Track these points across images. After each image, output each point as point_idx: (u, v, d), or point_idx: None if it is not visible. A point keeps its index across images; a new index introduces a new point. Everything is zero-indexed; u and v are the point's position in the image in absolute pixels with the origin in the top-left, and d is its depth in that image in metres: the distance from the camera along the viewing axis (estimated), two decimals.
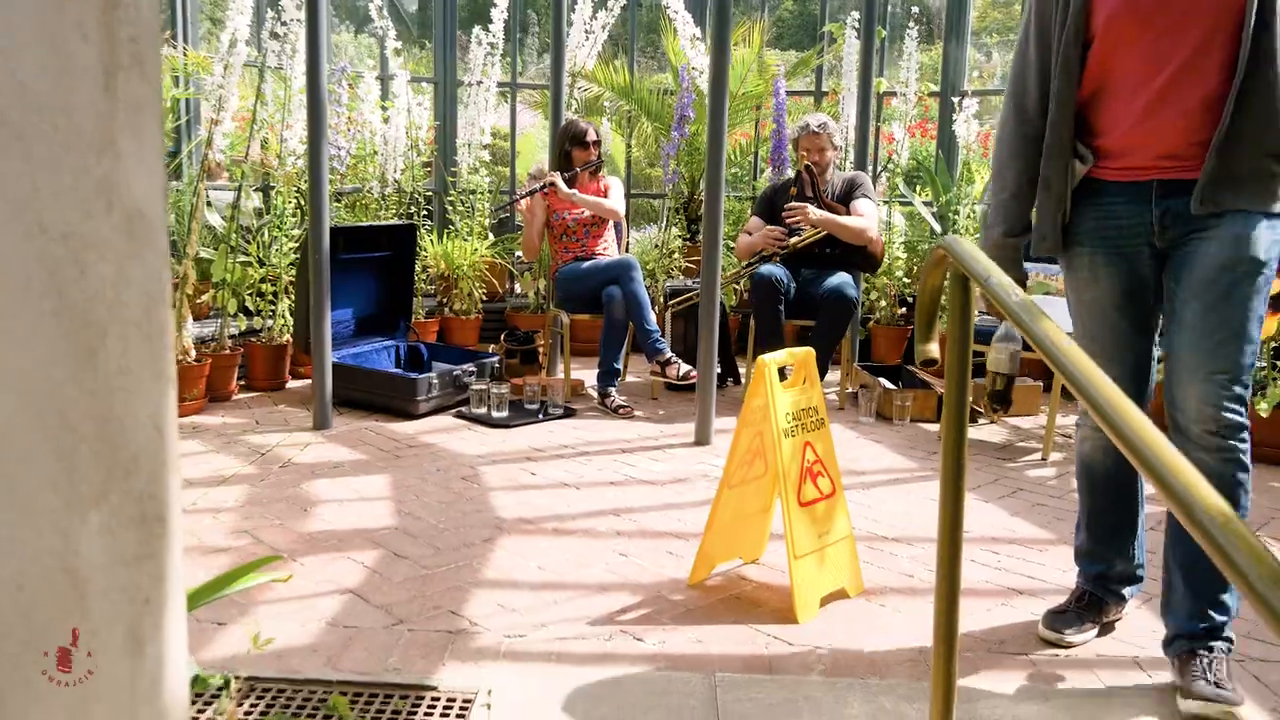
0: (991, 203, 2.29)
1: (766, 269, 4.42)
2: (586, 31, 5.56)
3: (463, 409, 4.35)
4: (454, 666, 2.09)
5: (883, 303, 5.66)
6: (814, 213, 4.43)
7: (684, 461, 3.70)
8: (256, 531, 2.84)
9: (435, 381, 4.25)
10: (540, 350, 5.05)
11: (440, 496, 3.21)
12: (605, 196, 4.78)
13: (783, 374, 2.49)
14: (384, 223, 4.78)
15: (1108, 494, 2.29)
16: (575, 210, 4.69)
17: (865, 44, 4.99)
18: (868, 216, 4.53)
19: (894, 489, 3.45)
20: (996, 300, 1.26)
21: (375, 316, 4.81)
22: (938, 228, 5.88)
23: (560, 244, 4.76)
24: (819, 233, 4.53)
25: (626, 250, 6.32)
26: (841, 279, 4.43)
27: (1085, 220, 2.13)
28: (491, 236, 5.83)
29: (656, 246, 5.93)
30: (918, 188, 6.38)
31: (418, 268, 5.43)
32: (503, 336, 5.07)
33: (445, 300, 5.66)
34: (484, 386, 4.31)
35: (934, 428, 4.30)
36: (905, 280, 5.65)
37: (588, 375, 4.82)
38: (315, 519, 2.97)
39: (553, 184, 4.59)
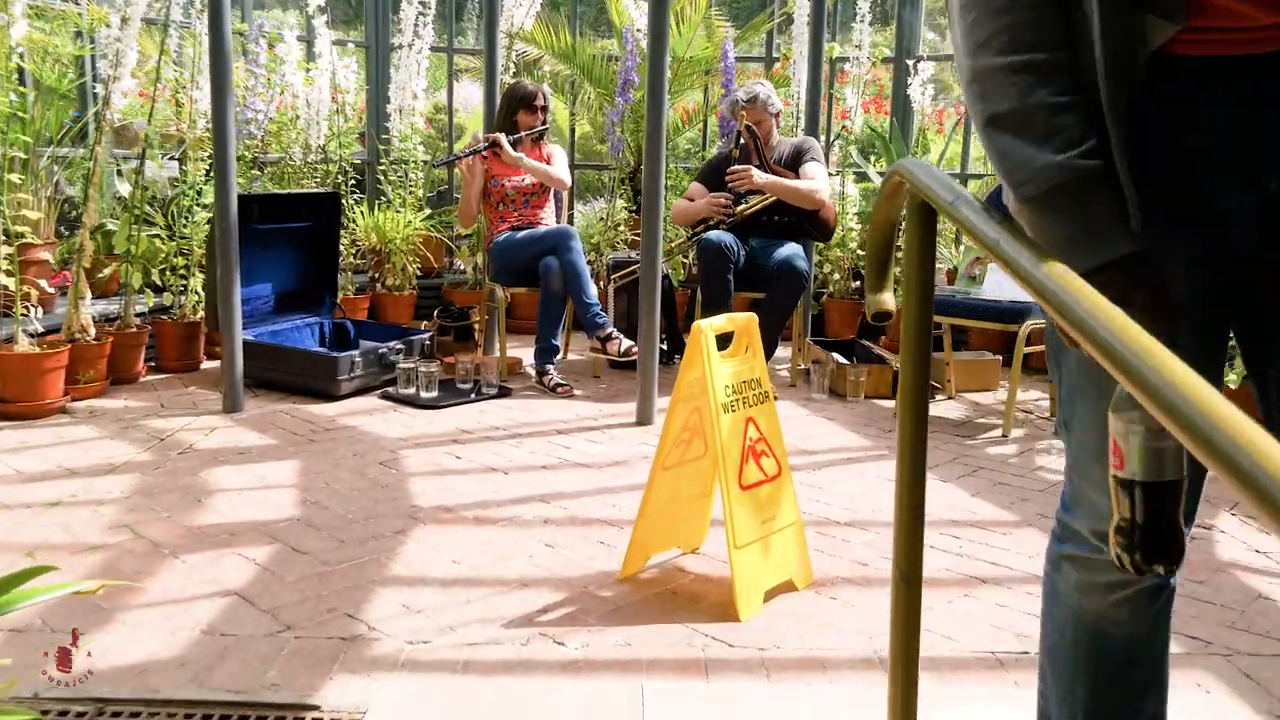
0: (993, 81, 1.05)
1: (715, 235, 4.16)
2: None
3: (389, 389, 4.05)
4: (343, 680, 1.81)
5: (836, 276, 5.43)
6: (759, 176, 4.18)
7: (623, 443, 3.44)
8: (139, 526, 2.54)
9: (358, 360, 3.95)
10: (476, 327, 4.76)
11: (353, 483, 2.92)
12: (549, 163, 4.49)
13: (723, 343, 2.24)
14: (304, 190, 4.45)
15: (1123, 683, 1.25)
16: (515, 177, 4.40)
17: (816, 6, 4.74)
18: (818, 179, 4.29)
19: (847, 469, 3.22)
20: (971, 231, 1.00)
21: (298, 292, 4.49)
22: None
23: (497, 213, 4.47)
24: (767, 198, 4.28)
25: (571, 222, 6.05)
26: (792, 250, 4.18)
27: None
28: (427, 209, 5.52)
29: (602, 220, 5.66)
30: (872, 159, 6.16)
31: (346, 241, 5.12)
32: (436, 313, 4.78)
33: (377, 276, 5.34)
34: (412, 365, 4.02)
35: (890, 404, 4.09)
36: (859, 253, 5.43)
37: (527, 354, 4.54)
38: (208, 510, 2.67)
39: (497, 144, 4.29)
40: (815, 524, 2.67)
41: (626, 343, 4.07)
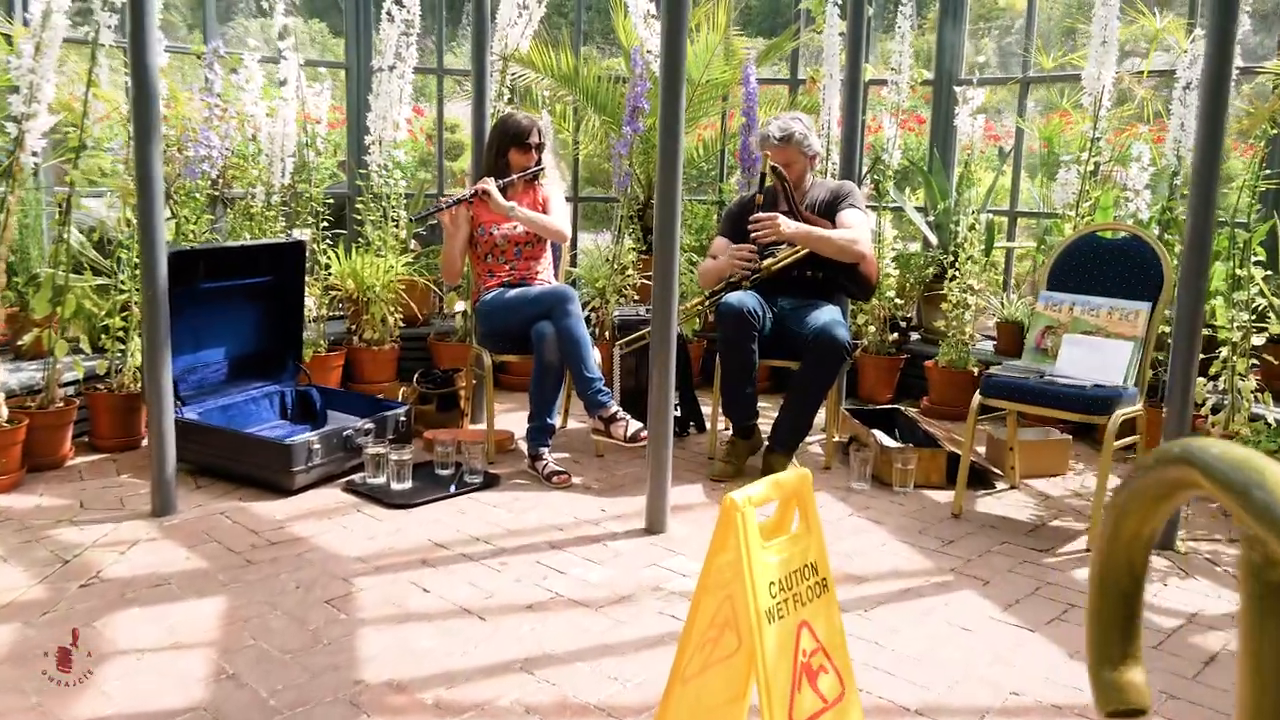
0: None
1: (735, 297, 3.55)
2: (520, 5, 4.65)
3: (355, 479, 3.45)
4: None
5: (871, 328, 4.82)
6: (787, 225, 3.56)
7: (630, 564, 2.83)
8: None
9: (317, 447, 3.34)
10: (462, 394, 4.15)
11: (289, 639, 2.32)
12: (544, 209, 3.89)
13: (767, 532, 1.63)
14: (260, 241, 3.87)
15: None
16: (506, 224, 3.80)
17: (853, 24, 4.13)
18: (858, 229, 3.67)
19: (907, 606, 2.60)
20: None
21: (256, 356, 3.89)
22: (934, 239, 5.05)
23: (485, 265, 3.87)
24: (798, 250, 3.67)
25: (574, 263, 5.45)
26: (830, 315, 3.57)
27: None
28: (415, 245, 4.92)
29: (608, 260, 5.05)
30: (908, 191, 5.54)
31: (319, 290, 4.52)
32: (416, 377, 4.17)
33: (355, 328, 4.74)
34: (381, 450, 3.42)
35: (944, 498, 3.47)
36: (897, 301, 4.82)
37: (520, 421, 3.93)
38: (92, 693, 2.07)
39: (484, 192, 3.68)
40: (877, 712, 2.05)
41: (634, 425, 3.46)
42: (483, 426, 3.97)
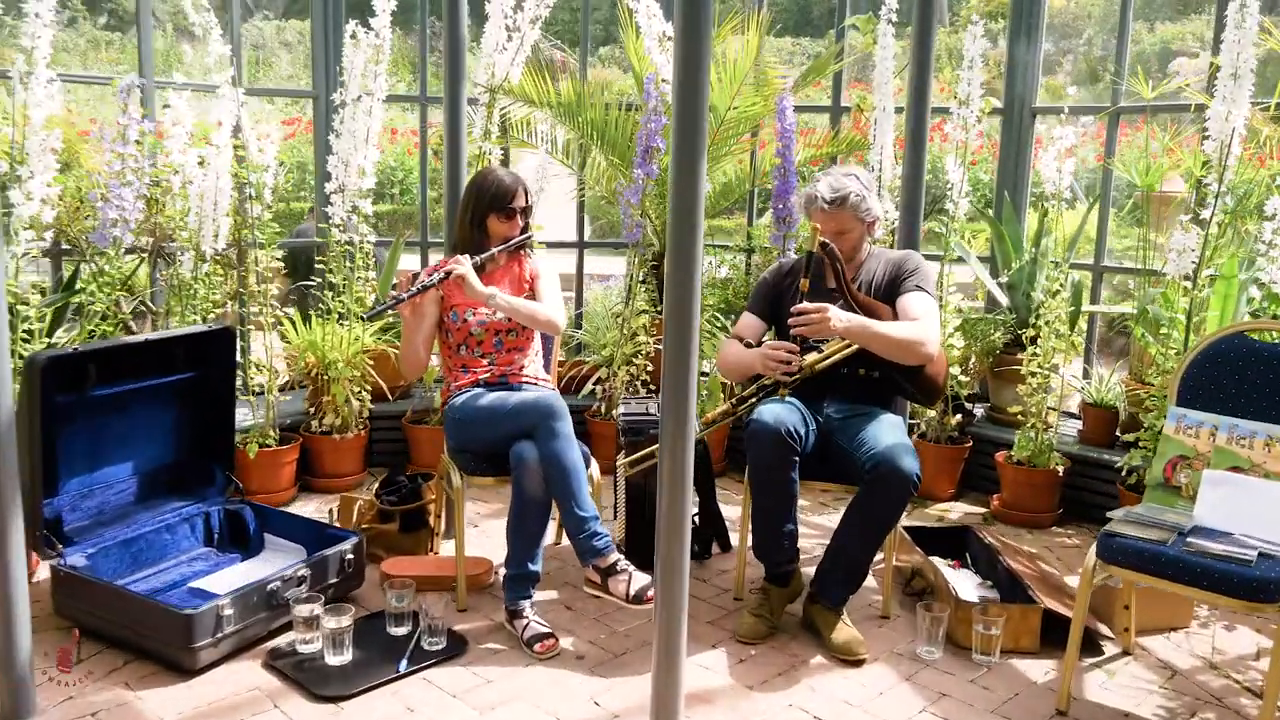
0: None
1: (771, 413, 2.76)
2: (508, 29, 3.87)
3: (282, 645, 2.70)
4: None
5: (930, 411, 4.01)
6: (839, 317, 2.76)
7: None
8: None
9: (229, 612, 2.59)
10: (431, 510, 3.39)
11: None
12: (531, 288, 3.13)
13: None
14: (176, 331, 3.12)
15: None
16: (484, 309, 3.04)
17: (920, 42, 3.31)
18: (924, 319, 2.87)
19: None
20: None
21: (173, 469, 3.15)
22: (1004, 299, 4.23)
23: (457, 358, 3.10)
24: (847, 346, 2.89)
25: (579, 323, 4.68)
26: (892, 435, 2.77)
27: None
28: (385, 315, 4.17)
29: (617, 319, 4.27)
30: (968, 237, 4.73)
31: (266, 372, 3.78)
32: (376, 488, 3.41)
33: (316, 410, 4.00)
34: (313, 612, 2.66)
35: (1045, 671, 2.67)
36: (961, 379, 4.01)
37: (501, 545, 3.15)
38: None
39: (458, 275, 2.91)
40: None
41: (639, 580, 2.69)
42: (449, 555, 3.20)
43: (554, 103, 4.12)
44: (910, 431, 4.06)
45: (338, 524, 3.38)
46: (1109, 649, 2.83)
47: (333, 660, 2.60)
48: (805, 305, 2.78)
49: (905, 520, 3.75)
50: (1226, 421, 2.57)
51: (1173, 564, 2.30)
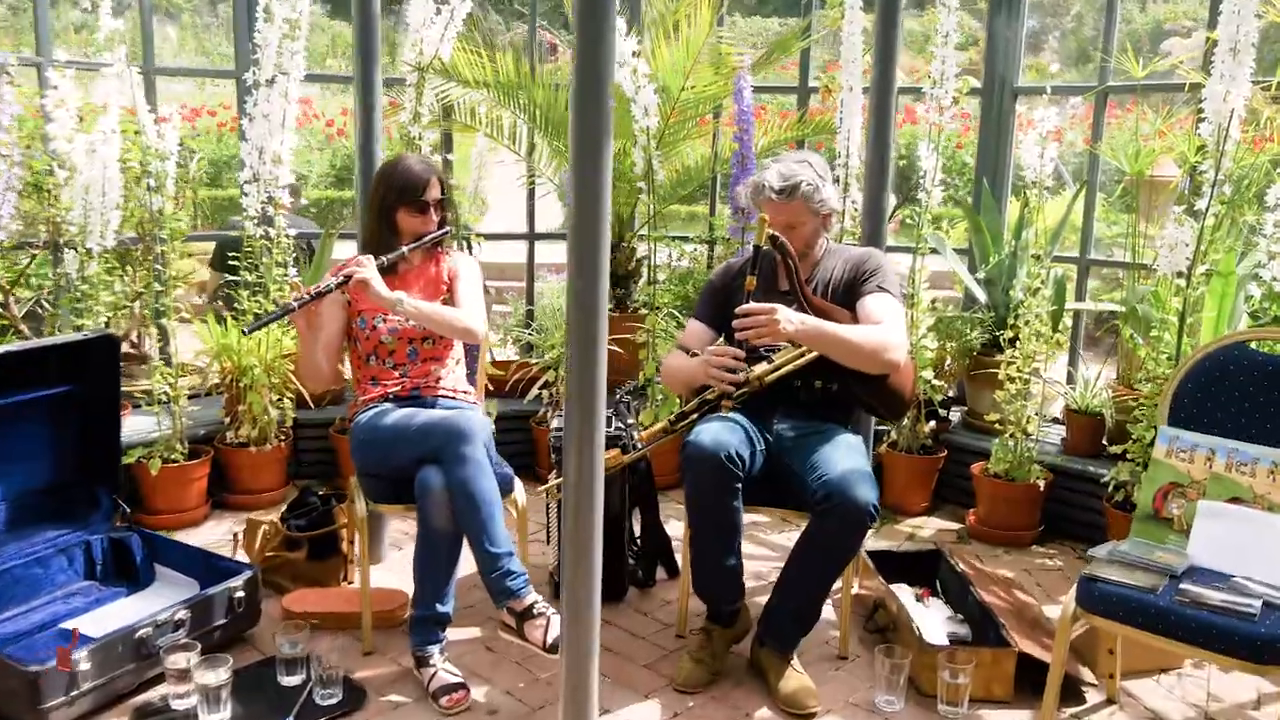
0: None
1: (710, 434, 2.44)
2: (437, 1, 3.51)
3: (154, 700, 2.38)
4: None
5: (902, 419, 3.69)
6: (790, 320, 2.43)
7: None
8: None
9: (86, 667, 2.26)
10: (344, 537, 3.06)
11: None
12: (449, 290, 2.79)
13: None
14: (41, 341, 2.79)
15: None
16: (394, 317, 2.70)
17: (884, 15, 2.96)
18: (888, 323, 2.54)
19: None
20: None
21: (48, 494, 2.81)
22: (982, 296, 3.91)
23: (366, 370, 2.77)
24: (801, 355, 2.56)
25: (530, 320, 4.34)
26: (849, 460, 2.44)
27: None
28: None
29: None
30: (944, 227, 4.40)
31: (169, 378, 3.44)
32: (282, 513, 3.08)
33: (232, 420, 3.66)
34: (187, 663, 2.33)
35: None
36: (935, 383, 3.69)
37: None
38: None
39: (359, 280, 2.57)
40: None
41: (558, 626, 2.37)
42: (373, 583, 2.89)
43: (491, 82, 3.77)
44: (879, 440, 3.75)
45: (242, 551, 3.06)
46: (1092, 697, 2.52)
47: (208, 718, 2.28)
48: (752, 306, 2.44)
49: (871, 540, 3.45)
50: (1225, 445, 2.26)
51: (1164, 617, 1.98)
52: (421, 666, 2.48)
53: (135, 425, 3.61)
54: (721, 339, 2.74)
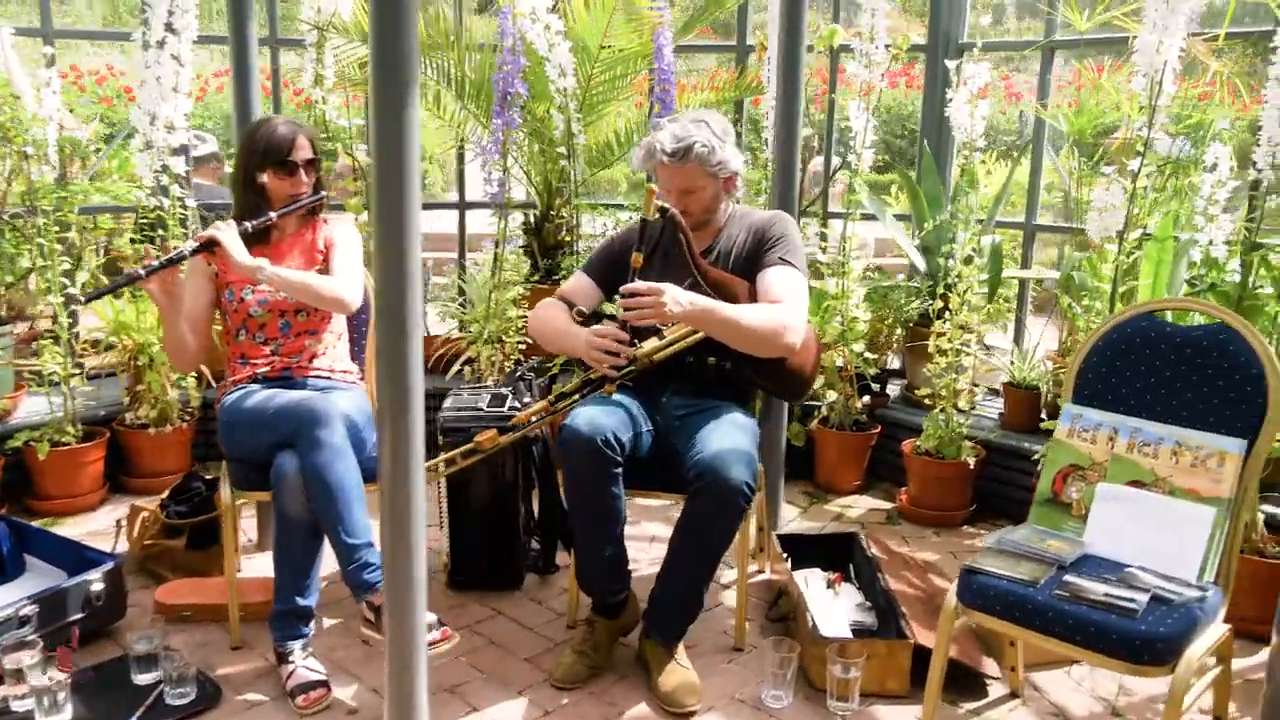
0: None
1: (586, 418, 2.27)
2: None
3: None
4: None
5: (831, 393, 3.53)
6: (678, 300, 2.26)
7: None
8: None
9: None
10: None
11: None
12: (326, 261, 2.62)
13: None
14: None
15: None
16: (264, 287, 2.54)
17: None
18: (788, 301, 2.37)
19: None
20: None
21: None
22: (921, 264, 3.73)
23: (236, 346, 2.61)
24: (690, 333, 2.40)
25: (461, 297, 4.16)
26: (728, 438, 2.27)
27: None
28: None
29: (492, 292, 3.77)
30: (891, 195, 4.21)
31: (59, 357, 3.29)
32: (162, 500, 2.94)
33: (133, 399, 3.51)
34: (21, 663, 2.20)
35: (914, 719, 2.22)
36: (868, 355, 3.52)
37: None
38: None
39: (213, 242, 2.43)
40: None
41: (428, 620, 2.22)
42: (257, 573, 2.75)
43: None
44: (809, 415, 3.59)
45: (127, 539, 2.92)
46: (995, 690, 2.37)
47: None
48: (638, 285, 2.27)
49: (796, 521, 3.31)
50: (1128, 424, 2.09)
51: (1041, 613, 1.83)
52: (282, 663, 2.34)
53: (31, 407, 3.47)
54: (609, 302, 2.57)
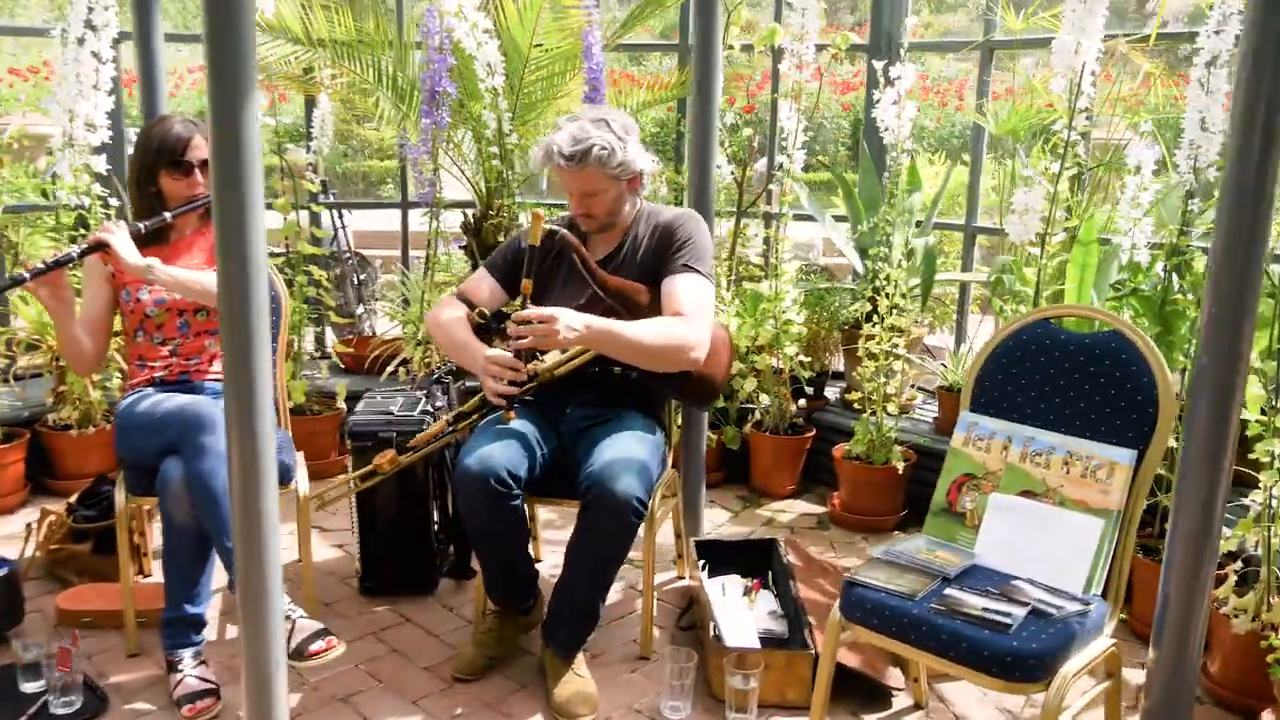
0: None
1: (479, 457, 2.17)
2: None
3: None
4: None
5: (764, 397, 3.49)
6: (571, 325, 2.19)
7: None
8: None
9: None
10: (135, 528, 2.86)
11: None
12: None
13: None
14: None
15: None
16: (160, 288, 2.50)
17: None
18: (691, 314, 2.32)
19: None
20: None
21: None
22: (860, 266, 3.69)
23: (134, 348, 2.57)
24: (581, 352, 2.36)
25: (406, 304, 4.12)
26: (621, 454, 2.21)
27: None
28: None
29: (424, 293, 3.73)
30: (837, 198, 4.16)
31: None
32: (69, 504, 2.89)
33: (56, 400, 3.47)
34: None
35: None
36: (803, 359, 3.49)
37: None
38: None
39: (101, 244, 2.39)
40: None
41: (305, 629, 2.20)
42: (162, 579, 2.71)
43: (327, 40, 3.53)
44: (744, 418, 3.55)
45: (35, 543, 2.87)
46: (899, 702, 2.34)
47: None
48: (529, 312, 2.22)
49: (726, 526, 3.27)
50: (1022, 433, 2.05)
51: (915, 627, 1.79)
52: (172, 671, 2.29)
53: None
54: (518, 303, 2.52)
